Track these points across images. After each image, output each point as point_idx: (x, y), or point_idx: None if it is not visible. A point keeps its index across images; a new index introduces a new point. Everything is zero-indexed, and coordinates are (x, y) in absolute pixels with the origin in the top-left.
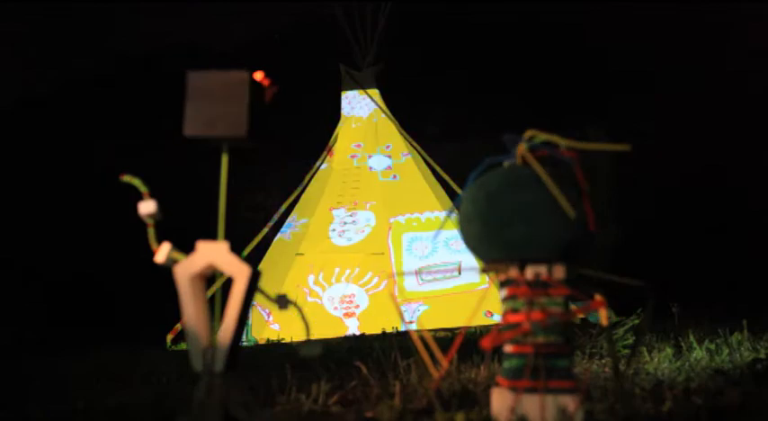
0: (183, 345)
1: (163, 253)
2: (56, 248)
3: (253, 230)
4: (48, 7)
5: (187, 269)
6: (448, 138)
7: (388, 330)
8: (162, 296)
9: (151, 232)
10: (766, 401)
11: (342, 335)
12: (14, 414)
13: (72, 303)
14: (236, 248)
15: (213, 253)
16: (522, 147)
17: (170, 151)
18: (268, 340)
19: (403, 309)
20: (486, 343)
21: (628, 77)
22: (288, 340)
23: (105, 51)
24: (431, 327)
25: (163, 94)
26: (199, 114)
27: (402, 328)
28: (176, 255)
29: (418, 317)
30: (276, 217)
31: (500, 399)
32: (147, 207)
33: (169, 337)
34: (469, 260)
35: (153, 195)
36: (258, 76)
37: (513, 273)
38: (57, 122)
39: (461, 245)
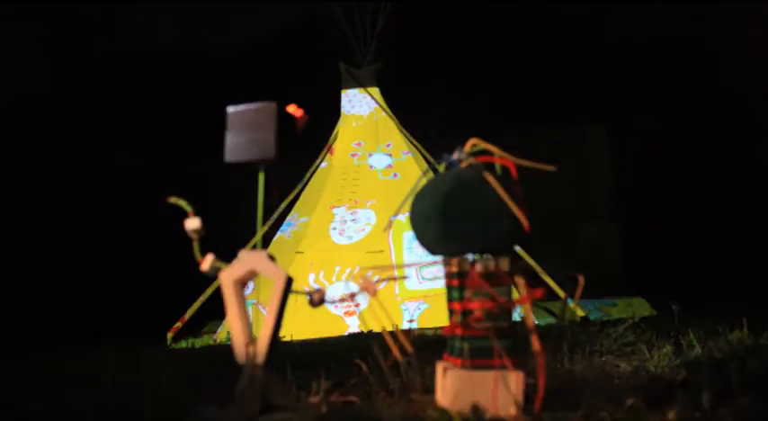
0: (182, 344)
1: (207, 262)
2: (55, 246)
3: (252, 229)
4: (45, 8)
5: (230, 275)
6: (449, 137)
7: (389, 329)
8: (162, 294)
9: (196, 246)
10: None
11: (342, 333)
12: (14, 413)
13: (71, 301)
14: (236, 247)
15: (254, 260)
16: (465, 151)
17: (168, 150)
18: None
19: (403, 307)
20: (446, 331)
21: (628, 76)
22: (288, 339)
23: (105, 51)
24: (431, 326)
25: (162, 94)
26: (236, 143)
27: (402, 327)
28: (219, 263)
29: (419, 315)
30: (276, 215)
31: (449, 375)
32: (192, 223)
33: (169, 336)
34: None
35: (152, 195)
36: (291, 108)
37: (466, 265)
38: (57, 123)
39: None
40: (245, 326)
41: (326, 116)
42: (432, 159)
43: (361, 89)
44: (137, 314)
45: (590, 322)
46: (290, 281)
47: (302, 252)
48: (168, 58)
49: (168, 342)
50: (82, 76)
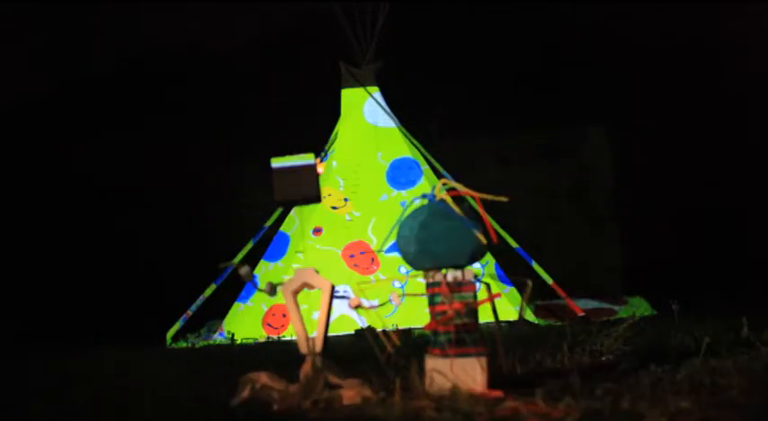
0: (182, 344)
1: (267, 286)
2: (55, 246)
3: (252, 228)
4: (45, 7)
5: (289, 287)
6: (449, 136)
7: (389, 327)
8: (162, 294)
9: (252, 284)
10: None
11: (341, 332)
12: (14, 413)
13: (71, 301)
14: (236, 246)
15: (305, 275)
16: (438, 189)
17: (168, 150)
18: (268, 338)
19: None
20: (427, 327)
21: (628, 76)
22: (288, 338)
23: (105, 51)
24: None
25: (162, 93)
26: (282, 185)
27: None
28: (276, 282)
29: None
30: (276, 215)
31: (431, 363)
32: (244, 270)
33: (169, 335)
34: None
35: (152, 195)
36: (320, 168)
37: (439, 277)
38: (57, 123)
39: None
40: (304, 325)
41: (326, 116)
42: (434, 160)
43: (361, 88)
44: (137, 314)
45: (590, 322)
46: (333, 288)
47: (302, 251)
48: (168, 58)
49: (168, 342)
50: (82, 76)
